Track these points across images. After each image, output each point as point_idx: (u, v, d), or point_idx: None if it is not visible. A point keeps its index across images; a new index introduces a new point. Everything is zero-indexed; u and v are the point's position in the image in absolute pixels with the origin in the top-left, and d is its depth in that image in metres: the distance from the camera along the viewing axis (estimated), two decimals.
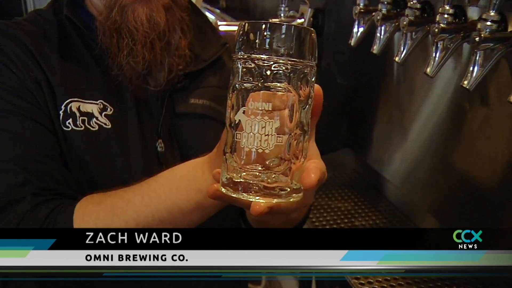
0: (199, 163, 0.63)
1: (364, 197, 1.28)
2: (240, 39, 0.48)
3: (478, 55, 0.73)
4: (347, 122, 1.43)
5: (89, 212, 0.68)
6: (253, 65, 0.47)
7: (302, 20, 1.32)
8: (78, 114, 0.76)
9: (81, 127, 0.76)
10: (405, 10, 0.89)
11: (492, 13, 0.70)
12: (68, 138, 0.76)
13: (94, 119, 0.77)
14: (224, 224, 0.73)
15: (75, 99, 0.77)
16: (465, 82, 0.74)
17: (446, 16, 0.79)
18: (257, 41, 0.47)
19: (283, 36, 0.47)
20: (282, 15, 1.32)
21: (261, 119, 0.46)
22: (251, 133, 0.47)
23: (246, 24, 0.48)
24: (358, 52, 1.21)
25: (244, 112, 0.47)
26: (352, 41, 1.09)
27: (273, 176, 0.48)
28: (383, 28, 0.99)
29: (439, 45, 0.81)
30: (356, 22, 1.08)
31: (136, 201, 0.66)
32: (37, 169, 0.71)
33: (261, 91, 0.47)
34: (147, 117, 0.81)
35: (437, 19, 0.80)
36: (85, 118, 0.77)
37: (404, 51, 0.91)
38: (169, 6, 0.78)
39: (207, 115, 0.86)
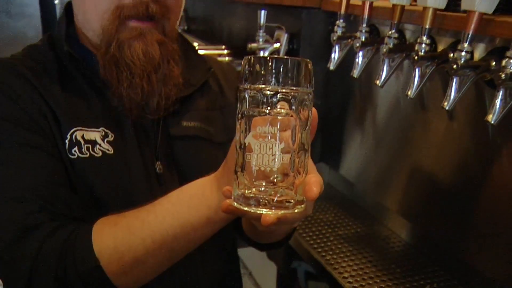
0: (207, 182, 0.69)
1: (342, 208, 1.38)
2: (247, 72, 0.55)
3: (455, 80, 0.83)
4: (321, 138, 1.52)
5: (106, 233, 0.72)
6: (259, 94, 0.54)
7: (278, 44, 1.41)
8: (82, 142, 0.80)
9: (86, 154, 0.80)
10: (384, 38, 1.00)
11: (465, 45, 0.81)
12: (74, 165, 0.79)
13: (98, 146, 0.81)
14: (221, 236, 0.79)
15: (79, 128, 0.80)
16: (445, 104, 0.84)
17: (423, 46, 0.90)
18: (262, 72, 0.54)
19: (284, 68, 0.54)
20: (260, 40, 1.40)
21: (268, 141, 0.54)
22: (260, 154, 0.54)
23: (252, 58, 0.55)
24: (330, 73, 1.31)
25: (253, 136, 0.54)
26: (331, 65, 1.19)
27: (279, 190, 0.55)
28: (361, 53, 1.09)
29: (417, 71, 0.92)
30: (335, 48, 1.18)
31: (151, 220, 0.70)
32: (50, 195, 0.74)
33: (267, 117, 0.54)
34: (145, 141, 0.87)
35: (416, 48, 0.91)
36: (89, 145, 0.81)
37: (384, 75, 1.02)
38: (162, 41, 0.84)
39: (199, 136, 0.92)
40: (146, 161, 0.85)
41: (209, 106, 0.96)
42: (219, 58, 1.50)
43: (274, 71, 0.54)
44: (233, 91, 1.03)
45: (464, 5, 0.79)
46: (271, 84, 0.54)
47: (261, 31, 1.39)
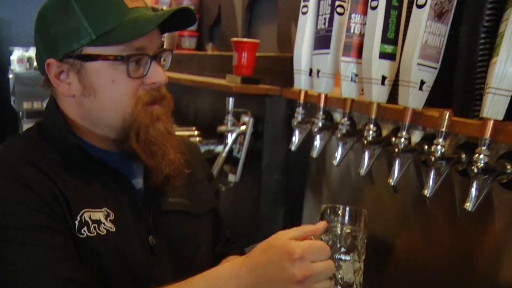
0: (235, 266, 0.82)
1: None
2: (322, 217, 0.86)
3: (397, 161, 1.01)
4: (283, 210, 1.68)
5: None
6: (330, 235, 0.84)
7: (244, 127, 1.59)
8: (90, 222, 0.90)
9: (94, 233, 0.89)
10: (338, 124, 1.19)
11: (404, 133, 1.00)
12: (84, 243, 0.88)
13: (102, 225, 0.91)
14: None
15: (87, 209, 0.90)
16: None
17: (371, 132, 1.09)
18: (332, 217, 0.88)
19: (349, 215, 0.87)
20: (228, 123, 1.57)
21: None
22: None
23: (326, 207, 0.89)
24: (291, 152, 1.49)
25: None
26: (292, 147, 1.37)
27: None
28: (319, 136, 1.28)
29: (367, 153, 1.10)
30: (295, 131, 1.36)
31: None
32: (72, 271, 0.83)
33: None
34: (138, 218, 0.97)
35: (365, 134, 1.10)
36: (96, 224, 0.90)
37: (339, 156, 1.20)
38: (169, 117, 0.98)
39: (182, 210, 1.05)
40: (141, 236, 0.96)
41: (185, 182, 1.07)
42: (191, 139, 1.65)
43: (342, 215, 0.88)
44: (200, 167, 1.16)
45: (400, 102, 0.99)
46: (340, 224, 0.88)
47: (229, 115, 1.56)
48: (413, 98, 0.95)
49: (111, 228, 0.92)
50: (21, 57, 6.12)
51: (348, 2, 1.13)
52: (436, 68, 0.96)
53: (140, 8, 0.92)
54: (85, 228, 0.89)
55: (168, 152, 0.96)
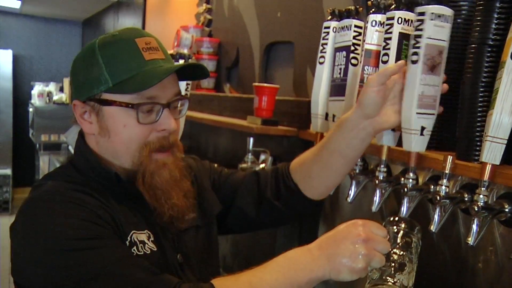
0: (306, 251, 0.90)
1: None
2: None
3: (406, 199, 1.12)
4: (298, 242, 1.77)
5: (229, 285, 0.90)
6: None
7: (264, 165, 1.71)
8: (138, 242, 1.00)
9: (141, 252, 1.00)
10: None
11: (411, 174, 1.11)
12: None
13: (146, 245, 1.01)
14: None
15: (134, 231, 1.00)
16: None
17: (382, 173, 1.20)
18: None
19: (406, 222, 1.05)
20: (249, 162, 1.69)
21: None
22: None
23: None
24: None
25: None
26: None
27: None
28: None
29: (378, 191, 1.20)
30: None
31: (267, 278, 0.89)
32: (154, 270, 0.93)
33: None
34: (166, 237, 1.07)
35: (376, 174, 1.21)
36: (142, 244, 1.00)
37: (352, 194, 1.31)
38: (178, 163, 1.07)
39: (197, 225, 1.15)
40: (172, 254, 1.07)
41: (193, 196, 1.15)
42: None
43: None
44: (207, 175, 1.25)
45: (405, 147, 1.10)
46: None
47: (249, 154, 1.69)
48: (416, 143, 1.07)
49: (153, 247, 1.02)
50: (41, 91, 6.36)
51: (361, 56, 1.27)
52: (434, 114, 1.07)
53: (157, 60, 1.02)
54: (134, 248, 0.99)
55: (172, 197, 1.05)
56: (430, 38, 1.02)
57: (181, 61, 1.75)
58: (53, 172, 1.10)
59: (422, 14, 1.03)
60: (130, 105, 1.00)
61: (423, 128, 1.05)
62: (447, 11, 1.03)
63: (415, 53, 1.03)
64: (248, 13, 2.65)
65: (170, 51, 3.02)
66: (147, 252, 1.01)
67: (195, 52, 3.04)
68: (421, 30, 1.02)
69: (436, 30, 1.02)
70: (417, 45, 1.03)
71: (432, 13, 1.02)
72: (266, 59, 2.50)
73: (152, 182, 1.03)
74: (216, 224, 1.24)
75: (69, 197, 0.96)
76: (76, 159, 1.09)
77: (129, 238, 0.99)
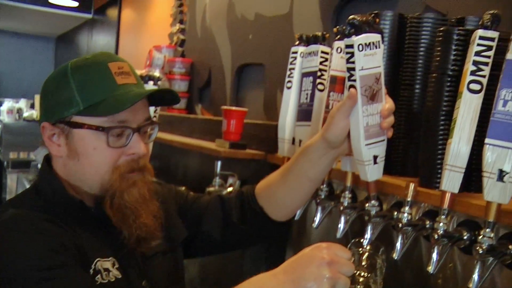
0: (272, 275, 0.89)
1: None
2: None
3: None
4: (265, 267, 1.76)
5: None
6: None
7: (231, 188, 1.70)
8: (102, 270, 0.98)
9: (106, 280, 0.98)
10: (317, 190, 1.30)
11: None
12: None
13: (111, 272, 0.99)
14: None
15: (99, 258, 0.99)
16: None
17: (347, 199, 1.21)
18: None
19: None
20: (216, 185, 1.68)
21: None
22: None
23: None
24: None
25: None
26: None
27: None
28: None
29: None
30: None
31: None
32: None
33: None
34: (131, 264, 1.05)
35: (341, 200, 1.21)
36: (106, 272, 0.98)
37: (318, 219, 1.31)
38: (147, 183, 1.06)
39: (161, 251, 1.13)
40: (137, 281, 1.05)
41: (159, 223, 1.12)
42: None
43: None
44: (172, 200, 1.24)
45: (361, 177, 1.10)
46: None
47: (217, 178, 1.68)
48: (371, 173, 1.07)
49: (118, 275, 1.00)
50: (11, 108, 6.24)
51: (327, 81, 1.28)
52: (384, 140, 1.06)
53: (129, 84, 1.03)
54: (98, 276, 0.97)
55: (141, 216, 1.03)
56: (363, 69, 1.01)
57: (151, 83, 1.73)
58: (16, 199, 1.09)
59: (350, 46, 1.00)
60: (100, 128, 1.00)
61: (375, 157, 1.05)
62: (374, 37, 1.01)
63: (352, 86, 1.02)
64: (220, 34, 2.66)
65: (141, 71, 3.01)
66: (112, 280, 0.99)
67: (167, 72, 3.03)
68: (352, 62, 1.00)
69: (368, 59, 1.01)
70: (352, 78, 1.01)
71: (360, 44, 1.00)
72: (237, 80, 2.51)
73: (121, 202, 1.02)
74: (182, 249, 1.23)
75: (32, 226, 0.95)
76: (40, 184, 1.08)
77: (93, 266, 0.98)
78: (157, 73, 2.84)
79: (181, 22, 3.30)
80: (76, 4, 5.32)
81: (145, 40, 4.11)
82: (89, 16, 6.09)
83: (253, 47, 2.35)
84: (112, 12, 5.24)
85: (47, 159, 1.09)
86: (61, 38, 7.80)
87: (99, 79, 1.01)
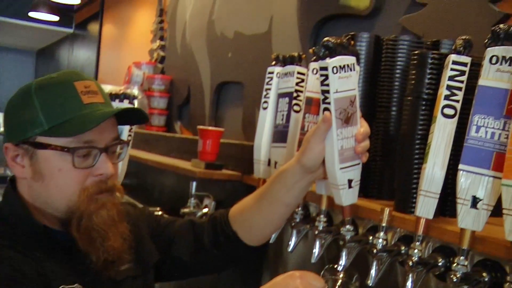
0: None
1: None
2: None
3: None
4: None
5: None
6: None
7: (207, 210, 1.66)
8: None
9: None
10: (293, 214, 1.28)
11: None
12: None
13: None
14: None
15: (63, 285, 0.94)
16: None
17: (322, 222, 1.18)
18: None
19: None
20: (191, 206, 1.65)
21: None
22: None
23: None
24: None
25: None
26: None
27: None
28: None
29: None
30: None
31: None
32: None
33: None
34: None
35: (315, 224, 1.19)
36: None
37: (292, 243, 1.28)
38: (116, 204, 1.03)
39: (131, 275, 1.09)
40: None
41: (128, 246, 1.09)
42: None
43: None
44: (145, 222, 1.21)
45: (336, 201, 1.08)
46: None
47: (192, 199, 1.64)
48: (346, 197, 1.05)
49: None
50: None
51: (303, 103, 1.26)
52: (359, 164, 1.05)
53: (95, 103, 1.00)
54: None
55: (109, 238, 1.00)
56: (338, 92, 0.99)
57: (126, 101, 1.70)
58: None
59: (324, 68, 0.98)
60: (65, 149, 0.97)
61: (350, 181, 1.04)
62: (349, 59, 1.00)
63: (326, 109, 1.00)
64: (200, 51, 2.65)
65: (119, 88, 2.97)
66: None
67: (146, 89, 3.00)
68: (327, 85, 0.98)
69: (342, 82, 0.99)
70: (326, 100, 1.00)
71: (334, 66, 0.98)
72: (216, 98, 2.49)
73: (88, 224, 0.99)
74: (153, 272, 1.19)
75: None
76: (4, 208, 1.04)
77: None
78: (135, 90, 2.81)
79: (161, 38, 3.29)
80: (56, 18, 5.27)
81: (126, 56, 4.08)
82: (70, 30, 6.05)
83: (232, 65, 2.34)
84: (94, 27, 5.21)
85: (12, 181, 1.06)
86: (41, 52, 7.72)
87: (64, 98, 0.98)
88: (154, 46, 3.35)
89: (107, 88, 3.26)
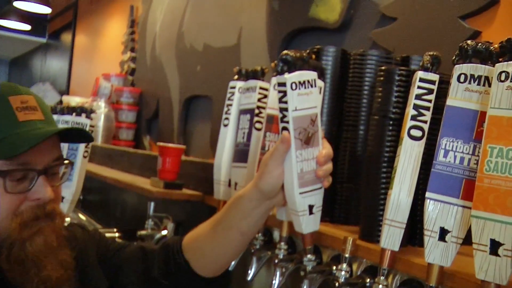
0: None
1: None
2: None
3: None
4: None
5: None
6: None
7: (166, 232, 1.56)
8: None
9: None
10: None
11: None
12: None
13: None
14: None
15: None
16: None
17: (282, 251, 1.09)
18: None
19: None
20: (149, 228, 1.54)
21: None
22: None
23: None
24: None
25: None
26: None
27: None
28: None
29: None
30: None
31: None
32: None
33: None
34: None
35: (276, 252, 1.10)
36: None
37: (252, 271, 1.19)
38: (56, 230, 0.93)
39: None
40: None
41: (70, 275, 0.99)
42: None
43: None
44: (94, 249, 1.11)
45: (296, 228, 0.98)
46: None
47: (149, 220, 1.53)
48: (307, 224, 0.95)
49: None
50: None
51: (265, 121, 1.18)
52: (320, 188, 0.95)
53: (33, 121, 0.90)
54: None
55: (45, 268, 0.90)
56: (297, 110, 0.90)
57: (83, 115, 1.59)
58: None
59: (282, 84, 0.90)
60: None
61: (311, 207, 0.94)
62: (309, 75, 0.92)
63: (285, 128, 0.91)
64: (169, 64, 2.56)
65: (83, 101, 2.85)
66: None
67: (114, 102, 2.89)
68: (285, 102, 0.90)
69: (302, 99, 0.91)
70: (284, 119, 0.91)
71: (293, 82, 0.90)
72: (185, 113, 2.40)
73: (21, 253, 0.88)
74: None
75: None
76: None
77: None
78: (101, 103, 2.69)
79: (132, 50, 3.19)
80: (28, 27, 5.13)
81: (98, 67, 3.97)
82: (43, 40, 5.91)
83: (201, 79, 2.25)
84: (67, 37, 5.09)
85: None
86: (15, 62, 7.55)
87: None
88: (124, 58, 3.25)
89: (75, 100, 3.15)
